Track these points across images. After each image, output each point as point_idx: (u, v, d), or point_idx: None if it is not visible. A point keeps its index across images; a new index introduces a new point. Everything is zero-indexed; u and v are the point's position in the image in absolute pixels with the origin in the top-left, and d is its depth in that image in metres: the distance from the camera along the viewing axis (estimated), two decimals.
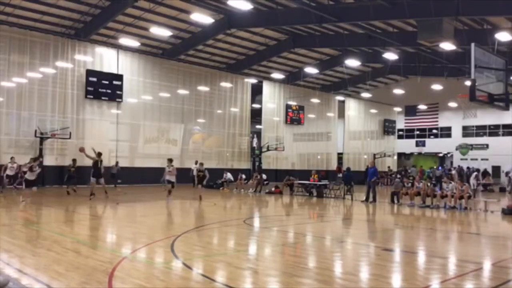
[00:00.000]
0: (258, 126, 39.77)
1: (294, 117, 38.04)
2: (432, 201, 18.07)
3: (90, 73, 25.76)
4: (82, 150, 18.08)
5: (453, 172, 31.36)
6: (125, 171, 26.94)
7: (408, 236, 11.58)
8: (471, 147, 41.01)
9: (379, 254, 8.84)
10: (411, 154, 48.34)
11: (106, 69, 26.60)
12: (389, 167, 42.19)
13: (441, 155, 48.62)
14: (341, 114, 41.89)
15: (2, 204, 15.79)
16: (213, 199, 20.60)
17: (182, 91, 30.51)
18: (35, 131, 23.26)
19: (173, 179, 18.49)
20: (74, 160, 20.96)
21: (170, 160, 18.95)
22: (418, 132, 45.72)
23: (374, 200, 19.51)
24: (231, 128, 33.65)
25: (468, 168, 36.23)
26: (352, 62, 32.11)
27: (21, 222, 12.04)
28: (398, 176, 32.15)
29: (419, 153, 47.66)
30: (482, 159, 39.25)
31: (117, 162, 25.95)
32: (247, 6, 20.93)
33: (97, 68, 26.26)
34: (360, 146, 43.54)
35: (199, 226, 12.35)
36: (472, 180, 22.52)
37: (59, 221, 12.52)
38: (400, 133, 46.99)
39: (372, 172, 19.95)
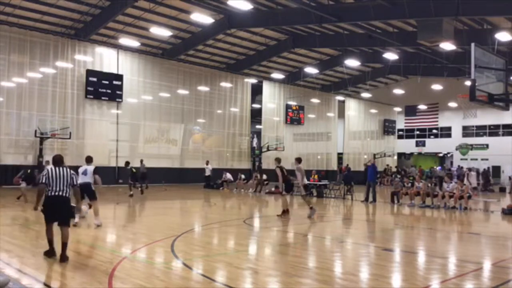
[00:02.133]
0: (258, 126, 39.78)
1: (294, 117, 38.04)
2: (432, 201, 18.07)
3: (90, 73, 25.78)
4: None
5: (473, 173, 30.15)
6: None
7: (408, 236, 11.58)
8: (471, 147, 41.01)
9: (379, 254, 8.84)
10: (411, 154, 48.34)
11: (106, 69, 26.62)
12: (389, 165, 42.20)
13: (441, 155, 48.63)
14: (341, 114, 41.89)
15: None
16: (213, 199, 20.61)
17: (182, 91, 30.52)
18: (35, 131, 23.27)
19: (299, 178, 14.16)
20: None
21: (279, 160, 14.90)
22: (418, 132, 45.73)
23: (374, 200, 19.50)
24: (231, 128, 33.67)
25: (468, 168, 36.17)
26: (352, 62, 32.12)
27: (21, 222, 12.06)
28: (398, 176, 32.13)
29: (419, 153, 47.66)
30: (482, 159, 39.25)
31: (141, 160, 24.89)
32: (247, 6, 20.95)
33: (97, 68, 26.28)
34: (360, 146, 43.54)
35: (199, 226, 12.36)
36: (466, 181, 22.44)
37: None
38: (400, 133, 47.00)
39: (371, 170, 19.90)
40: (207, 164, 27.73)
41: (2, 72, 23.25)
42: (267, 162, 35.73)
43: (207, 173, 27.24)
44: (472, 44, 9.67)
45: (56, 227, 7.43)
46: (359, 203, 19.50)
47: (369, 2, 21.91)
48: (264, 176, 25.82)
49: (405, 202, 18.87)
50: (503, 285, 6.54)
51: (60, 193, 7.34)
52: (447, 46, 22.92)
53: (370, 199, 19.58)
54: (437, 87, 35.46)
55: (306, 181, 14.56)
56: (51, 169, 7.46)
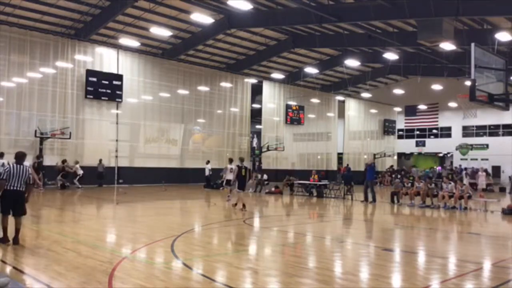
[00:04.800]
0: (258, 126, 39.76)
1: (294, 117, 38.02)
2: (432, 201, 18.08)
3: (90, 73, 25.73)
4: None
5: (481, 173, 29.66)
6: (125, 171, 26.96)
7: (408, 236, 11.58)
8: (471, 147, 41.01)
9: (379, 254, 8.84)
10: (411, 154, 48.34)
11: (106, 69, 26.58)
12: (392, 166, 42.32)
13: (441, 155, 48.62)
14: (341, 114, 41.88)
15: None
16: (213, 199, 20.60)
17: (182, 91, 30.50)
18: (35, 131, 23.27)
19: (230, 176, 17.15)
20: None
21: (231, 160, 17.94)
22: (418, 132, 45.71)
23: (374, 200, 19.50)
24: (231, 128, 33.65)
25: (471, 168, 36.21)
26: (352, 62, 32.09)
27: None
28: (398, 176, 32.09)
29: (419, 153, 47.66)
30: (482, 159, 39.25)
31: (100, 160, 25.52)
32: (247, 6, 20.92)
33: (97, 68, 26.24)
34: (360, 146, 43.53)
35: (199, 226, 12.36)
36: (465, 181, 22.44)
37: (59, 221, 12.52)
38: (400, 133, 46.98)
39: (371, 170, 19.97)
40: (207, 163, 27.75)
41: (2, 72, 23.21)
42: (267, 162, 35.80)
43: (207, 172, 27.27)
44: (472, 44, 9.67)
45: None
46: (359, 203, 19.50)
47: (369, 2, 21.90)
48: (265, 176, 25.82)
49: (405, 202, 18.88)
50: (503, 285, 6.55)
51: (18, 188, 8.39)
52: (447, 46, 22.91)
53: (370, 199, 19.59)
54: (437, 87, 35.43)
55: (230, 177, 16.95)
56: (13, 166, 8.46)
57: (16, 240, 8.41)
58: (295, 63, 36.18)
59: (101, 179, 25.19)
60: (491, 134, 40.54)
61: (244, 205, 15.19)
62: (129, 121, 28.03)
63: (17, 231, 8.45)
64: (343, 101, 41.95)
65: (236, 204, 15.74)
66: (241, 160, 16.62)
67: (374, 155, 41.48)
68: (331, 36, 29.73)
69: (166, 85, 29.67)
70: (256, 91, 36.35)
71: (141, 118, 28.67)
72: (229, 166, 17.30)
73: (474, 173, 32.83)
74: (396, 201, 19.11)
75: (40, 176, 22.14)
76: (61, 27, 25.68)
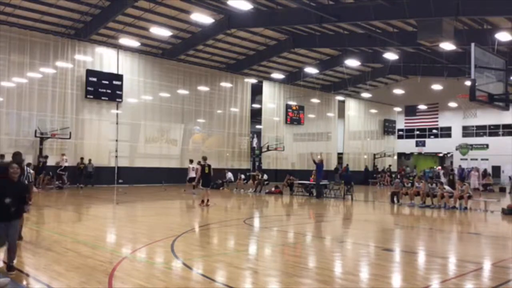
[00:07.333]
0: (258, 126, 39.75)
1: (294, 117, 38.00)
2: (432, 201, 18.07)
3: (90, 73, 25.72)
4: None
5: (474, 173, 29.47)
6: (125, 171, 26.96)
7: (408, 236, 11.58)
8: (471, 147, 41.01)
9: (379, 254, 8.84)
10: (411, 154, 48.32)
11: (106, 69, 26.56)
12: (375, 167, 42.35)
13: (441, 155, 48.59)
14: (341, 114, 41.86)
15: None
16: (213, 199, 20.58)
17: (182, 91, 30.49)
18: (35, 131, 23.27)
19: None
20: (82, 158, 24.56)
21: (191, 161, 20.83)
22: (418, 132, 45.71)
23: (319, 196, 21.30)
24: (231, 128, 33.63)
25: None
26: (352, 62, 32.08)
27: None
28: (398, 176, 32.06)
29: (419, 153, 47.64)
30: (482, 159, 39.23)
31: (89, 160, 25.33)
32: (247, 6, 20.91)
33: (97, 68, 26.23)
34: (360, 146, 43.52)
35: (199, 226, 12.36)
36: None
37: (59, 221, 12.52)
38: (400, 133, 46.96)
39: (321, 168, 21.60)
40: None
41: (2, 72, 23.19)
42: (267, 162, 35.80)
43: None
44: (472, 44, 9.69)
45: None
46: (359, 203, 19.50)
47: (369, 2, 21.90)
48: (265, 176, 25.81)
49: (405, 202, 18.88)
50: (503, 285, 6.55)
51: None
52: (447, 46, 22.91)
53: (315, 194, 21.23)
54: (437, 87, 35.43)
55: (192, 175, 19.97)
56: None
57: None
58: (295, 63, 36.18)
59: (89, 178, 25.11)
60: (491, 134, 40.53)
61: (207, 201, 16.43)
62: (129, 121, 28.00)
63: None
64: (343, 101, 41.93)
65: (208, 201, 16.54)
66: (204, 159, 17.67)
67: (374, 155, 41.45)
68: (331, 36, 29.73)
69: (166, 85, 29.65)
70: (256, 91, 36.34)
71: (141, 118, 28.65)
72: (190, 166, 20.18)
73: (464, 173, 32.85)
74: (396, 201, 19.12)
75: (42, 176, 22.21)
76: (61, 27, 25.68)
